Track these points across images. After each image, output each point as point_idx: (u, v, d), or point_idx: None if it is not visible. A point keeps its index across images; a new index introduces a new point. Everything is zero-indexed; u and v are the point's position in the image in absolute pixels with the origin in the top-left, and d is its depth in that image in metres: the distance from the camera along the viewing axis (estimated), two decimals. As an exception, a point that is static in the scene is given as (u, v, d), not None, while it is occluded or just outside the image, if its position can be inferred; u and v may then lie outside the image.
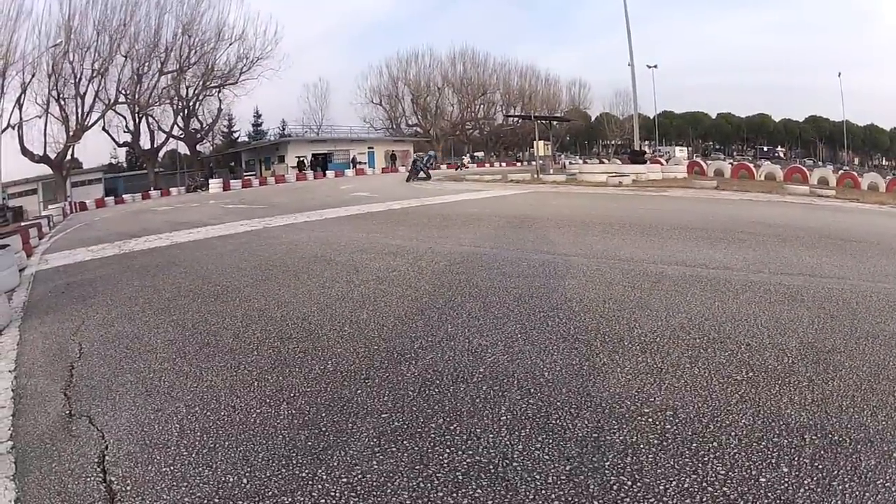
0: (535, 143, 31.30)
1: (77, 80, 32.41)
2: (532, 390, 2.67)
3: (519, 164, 55.18)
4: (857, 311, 3.82)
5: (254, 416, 2.54)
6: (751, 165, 25.21)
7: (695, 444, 2.12)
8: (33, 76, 30.14)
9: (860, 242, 6.90)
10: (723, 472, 1.94)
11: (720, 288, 4.39)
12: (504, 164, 54.38)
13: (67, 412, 2.86)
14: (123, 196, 33.02)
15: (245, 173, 44.04)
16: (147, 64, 36.27)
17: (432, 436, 2.28)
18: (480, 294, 4.41)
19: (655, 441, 2.16)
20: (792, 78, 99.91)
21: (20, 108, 30.00)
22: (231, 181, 35.47)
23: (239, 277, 5.81)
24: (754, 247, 6.38)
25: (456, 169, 43.59)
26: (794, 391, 2.55)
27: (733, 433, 2.20)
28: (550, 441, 2.20)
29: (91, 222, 18.30)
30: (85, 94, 33.05)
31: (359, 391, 2.72)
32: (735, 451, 2.07)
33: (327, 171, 42.06)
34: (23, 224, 14.28)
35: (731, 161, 40.88)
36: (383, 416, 2.47)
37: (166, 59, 37.25)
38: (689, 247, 6.35)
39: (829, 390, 2.57)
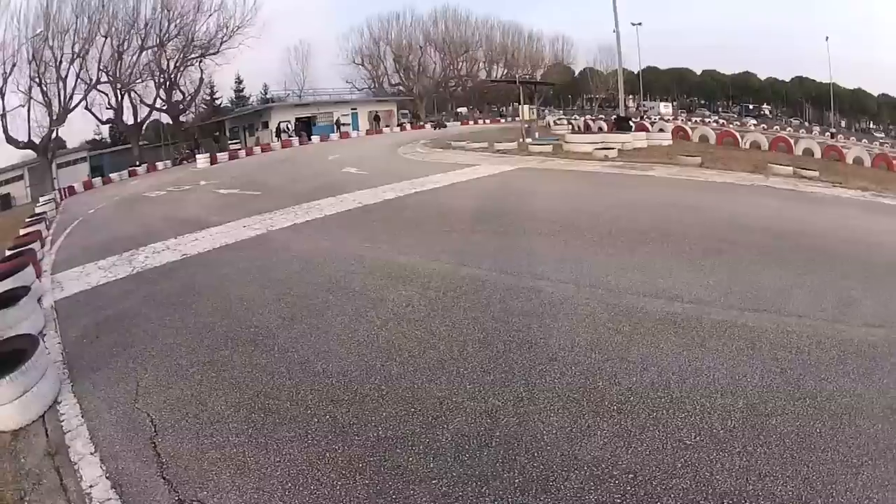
0: (520, 108, 31.70)
1: (58, 64, 32.50)
2: (535, 454, 3.61)
3: (502, 120, 55.61)
4: (806, 363, 4.60)
5: (338, 488, 3.43)
6: (736, 133, 26.08)
7: (645, 506, 3.08)
8: (14, 65, 30.08)
9: (832, 258, 7.68)
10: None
11: (691, 332, 5.26)
12: (488, 121, 54.66)
13: (177, 499, 3.35)
14: (111, 175, 33.34)
15: (230, 142, 44.35)
16: (127, 41, 36.31)
17: (471, 501, 3.20)
18: (487, 340, 5.32)
19: (619, 501, 3.13)
20: (778, 39, 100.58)
21: (2, 97, 29.97)
22: (217, 154, 35.65)
23: (265, 313, 6.53)
24: (730, 265, 7.31)
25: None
26: (727, 457, 3.48)
27: (671, 497, 3.15)
28: (550, 501, 3.15)
29: (86, 217, 18.59)
30: (66, 76, 33.12)
31: (409, 458, 3.65)
32: (672, 513, 3.03)
33: (312, 136, 42.31)
34: (22, 233, 14.04)
35: (716, 119, 41.69)
36: (433, 482, 3.40)
37: (146, 35, 37.35)
38: (670, 267, 7.25)
39: (756, 456, 3.46)
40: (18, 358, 4.79)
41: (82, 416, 4.59)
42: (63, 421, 4.59)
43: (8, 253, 10.76)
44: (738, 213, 10.71)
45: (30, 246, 11.47)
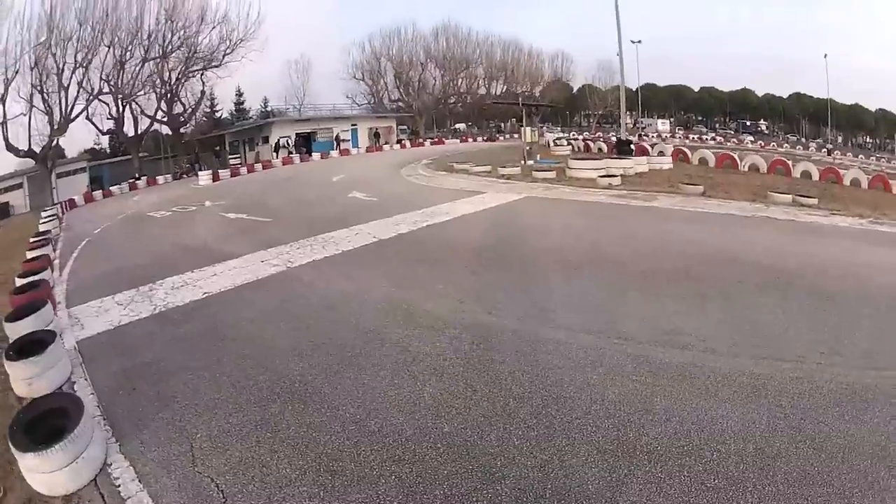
0: (522, 129, 32.74)
1: (60, 72, 33.23)
2: (583, 503, 4.26)
3: (501, 137, 56.73)
4: (806, 408, 5.33)
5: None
6: (734, 156, 26.96)
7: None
8: (17, 73, 30.79)
9: (827, 298, 8.48)
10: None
11: (705, 382, 5.96)
12: (485, 137, 55.72)
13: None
14: (111, 189, 34.00)
15: (230, 156, 45.20)
16: (130, 51, 37.35)
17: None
18: (525, 395, 5.91)
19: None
20: (777, 55, 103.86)
21: (3, 105, 30.62)
22: (219, 171, 36.43)
23: (304, 365, 6.79)
24: (735, 308, 8.09)
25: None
26: (741, 495, 4.20)
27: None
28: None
29: (93, 237, 18.92)
30: (69, 85, 33.92)
31: (476, 514, 4.28)
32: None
33: (312, 153, 43.14)
34: (30, 257, 13.66)
35: (713, 136, 42.92)
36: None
37: (149, 45, 38.43)
38: (679, 311, 8.02)
39: (764, 494, 4.21)
40: (61, 416, 4.80)
41: (139, 481, 4.57)
42: (119, 486, 4.56)
43: (19, 282, 10.59)
44: (740, 251, 11.53)
45: (41, 276, 11.11)
